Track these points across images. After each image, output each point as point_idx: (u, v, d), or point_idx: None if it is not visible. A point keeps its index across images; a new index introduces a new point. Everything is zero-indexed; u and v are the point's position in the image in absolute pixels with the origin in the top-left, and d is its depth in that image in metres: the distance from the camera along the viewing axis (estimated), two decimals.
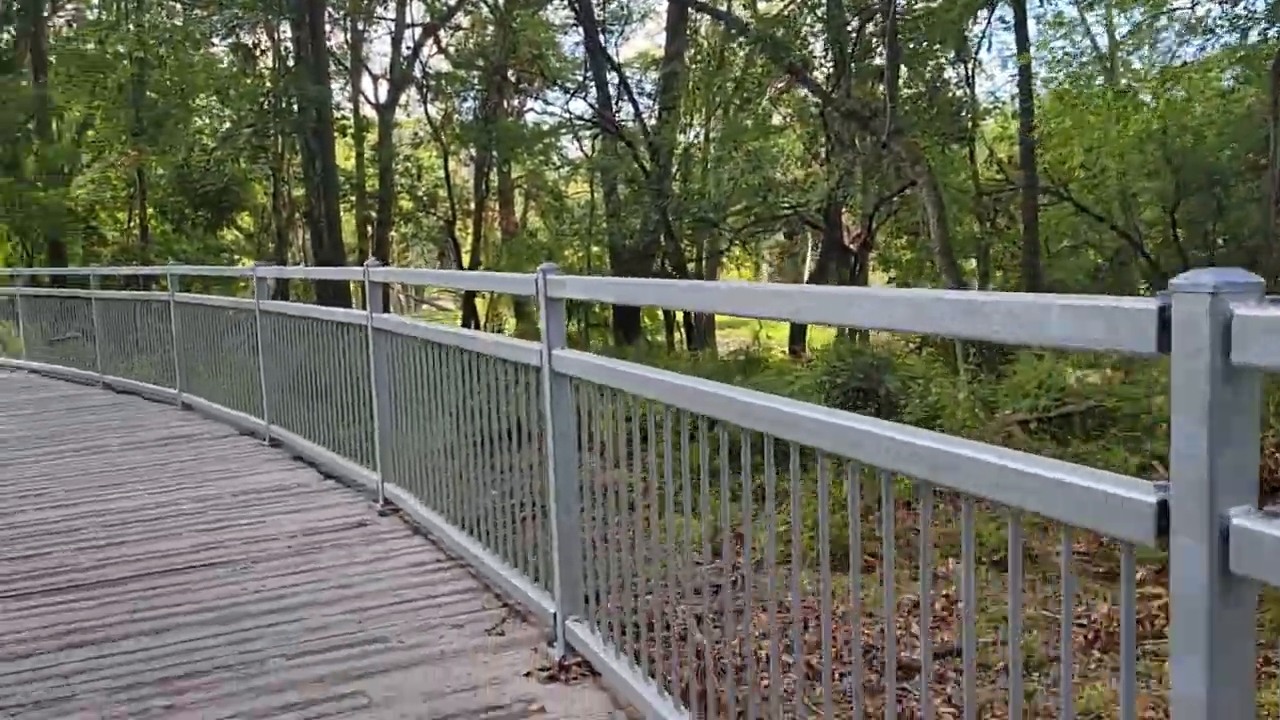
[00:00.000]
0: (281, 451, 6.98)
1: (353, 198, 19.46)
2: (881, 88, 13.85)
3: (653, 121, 16.95)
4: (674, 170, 16.64)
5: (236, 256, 27.81)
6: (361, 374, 5.63)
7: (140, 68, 20.30)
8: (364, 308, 5.46)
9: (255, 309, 7.26)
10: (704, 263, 21.05)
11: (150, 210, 17.97)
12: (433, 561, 4.51)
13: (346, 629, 3.75)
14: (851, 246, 15.03)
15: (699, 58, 18.53)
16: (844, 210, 15.65)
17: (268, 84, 15.38)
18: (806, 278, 29.28)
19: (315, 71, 15.03)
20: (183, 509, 5.57)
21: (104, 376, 10.55)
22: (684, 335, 17.73)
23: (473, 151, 21.72)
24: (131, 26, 17.65)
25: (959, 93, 17.93)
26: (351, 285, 16.19)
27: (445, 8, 20.88)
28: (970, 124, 17.63)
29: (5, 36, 22.03)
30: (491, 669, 3.36)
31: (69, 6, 26.82)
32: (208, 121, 18.05)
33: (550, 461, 3.38)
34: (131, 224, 21.07)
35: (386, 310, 5.46)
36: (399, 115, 24.88)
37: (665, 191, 14.53)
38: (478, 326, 20.16)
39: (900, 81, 12.12)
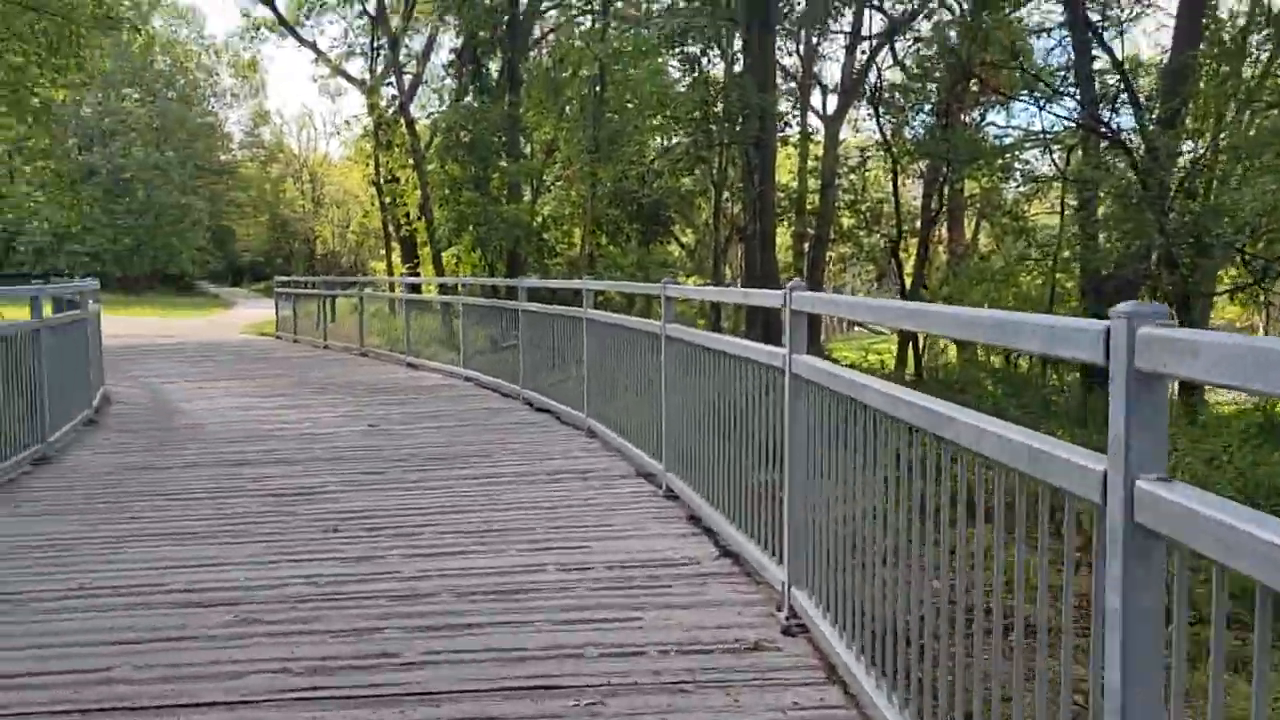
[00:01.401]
0: (676, 507, 5.77)
1: (791, 214, 18.44)
2: None
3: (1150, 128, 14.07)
4: (1174, 185, 13.59)
5: (679, 272, 28.19)
6: (773, 429, 4.21)
7: (598, 87, 20.88)
8: (783, 343, 4.03)
9: (661, 333, 6.15)
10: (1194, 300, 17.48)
11: (592, 226, 18.23)
12: None
13: None
14: None
15: (1214, 51, 15.15)
16: None
17: (711, 93, 14.75)
18: None
19: (761, 81, 14.11)
20: (547, 580, 4.49)
21: (523, 391, 10.21)
22: None
23: (922, 166, 19.86)
24: (590, 45, 17.96)
25: None
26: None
27: (906, 12, 19.21)
28: None
29: (493, 65, 23.88)
30: None
31: (549, 36, 28.87)
32: (656, 137, 17.99)
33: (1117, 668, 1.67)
34: (582, 238, 21.77)
35: (814, 348, 3.99)
36: (844, 131, 23.68)
37: (1168, 209, 11.70)
38: (917, 358, 18.21)
39: None
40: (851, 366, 18.82)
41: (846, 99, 18.93)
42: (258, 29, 27.40)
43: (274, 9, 25.92)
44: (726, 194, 19.51)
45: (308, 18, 27.26)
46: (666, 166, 15.31)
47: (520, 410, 9.78)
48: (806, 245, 19.62)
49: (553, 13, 28.33)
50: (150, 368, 14.51)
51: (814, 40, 20.74)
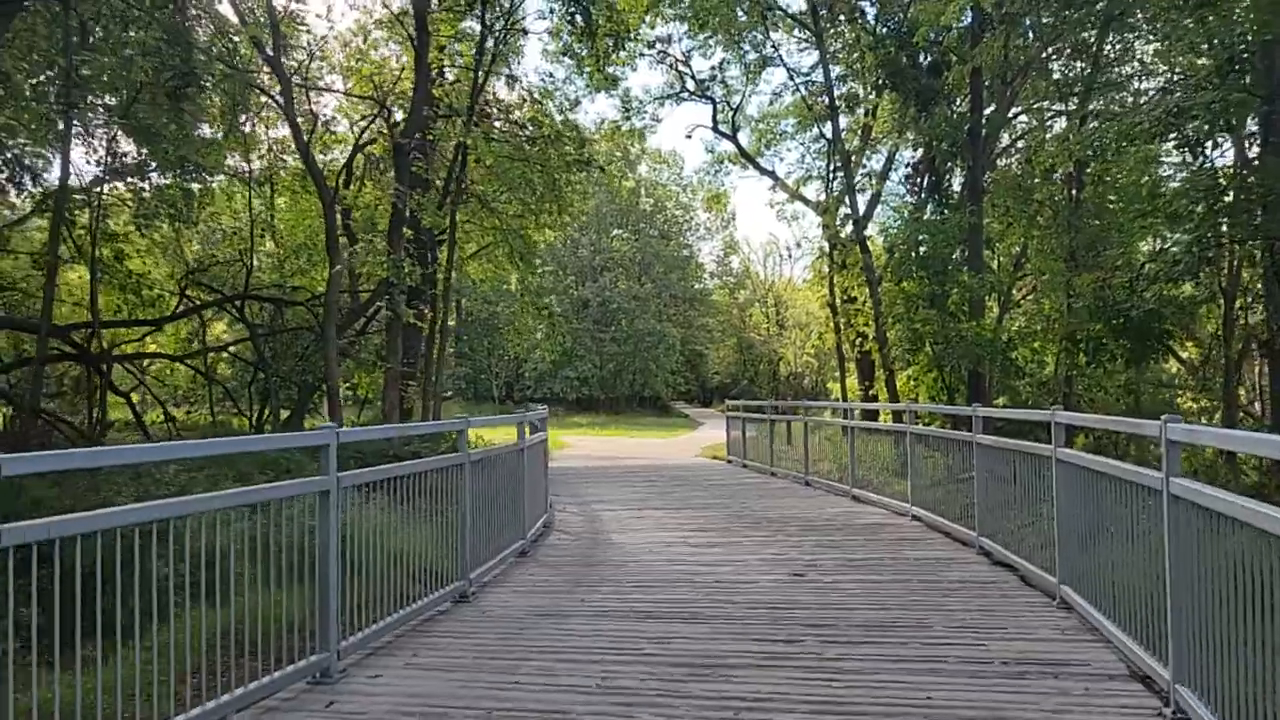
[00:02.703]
0: None
1: None
2: None
3: None
4: None
5: (1180, 393, 24.19)
6: None
7: (1074, 189, 18.75)
8: None
9: (1161, 488, 4.50)
10: None
11: (1066, 343, 15.94)
12: None
13: None
14: None
15: None
16: None
17: (1220, 181, 12.06)
18: None
19: None
20: None
21: (979, 539, 8.62)
22: None
23: None
24: (1068, 137, 16.05)
25: None
26: None
27: None
28: None
29: (954, 179, 22.65)
30: None
31: (1019, 143, 27.03)
32: (1146, 239, 15.41)
33: None
34: (1056, 358, 19.42)
35: None
36: None
37: None
38: None
39: None
40: None
41: None
42: (722, 163, 28.64)
43: (736, 143, 26.94)
44: (1239, 300, 16.25)
45: (767, 148, 28.03)
46: (1161, 271, 12.74)
47: (973, 563, 8.21)
48: None
49: (1022, 119, 26.55)
50: (601, 491, 14.79)
51: None
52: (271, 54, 14.18)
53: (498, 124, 20.68)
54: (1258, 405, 26.02)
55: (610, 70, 22.83)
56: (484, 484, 7.69)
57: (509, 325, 29.25)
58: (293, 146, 18.39)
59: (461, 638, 6.07)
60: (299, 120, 14.72)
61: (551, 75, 30.86)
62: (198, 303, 19.07)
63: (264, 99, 16.66)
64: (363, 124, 19.37)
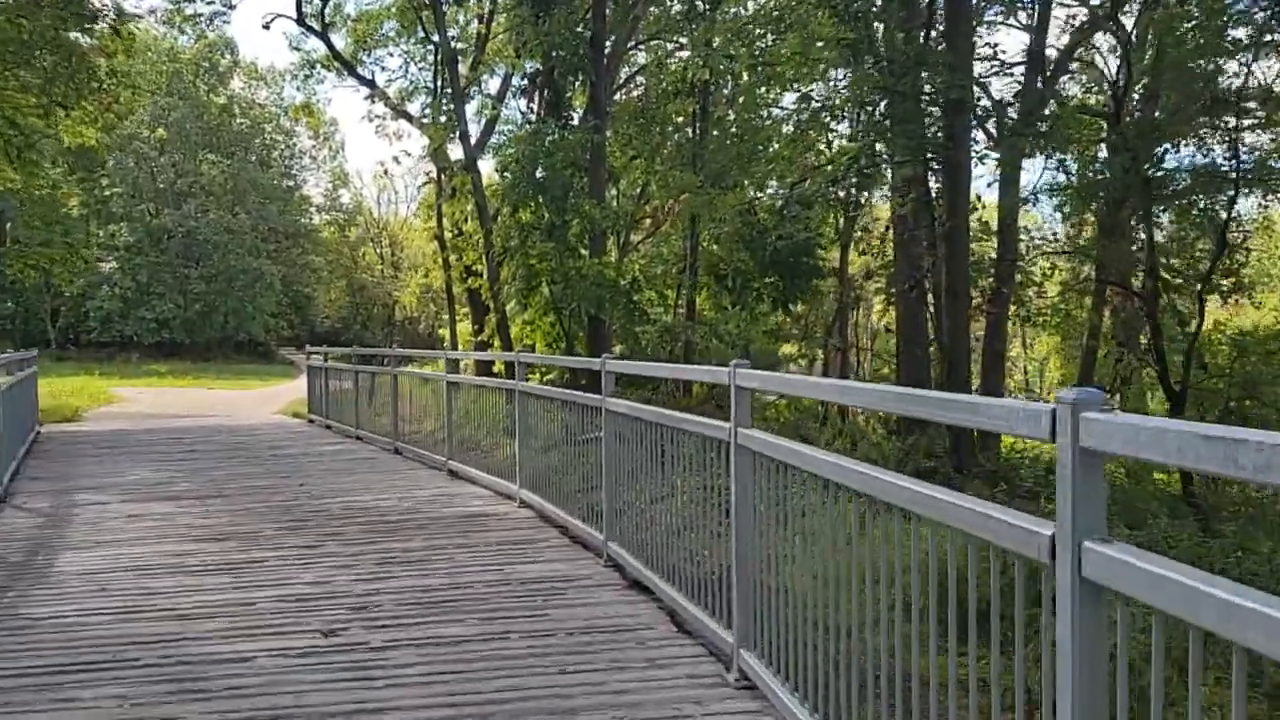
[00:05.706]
0: None
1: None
2: None
3: None
4: None
5: (784, 342, 23.87)
6: None
7: (699, 120, 17.19)
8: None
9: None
10: None
11: (706, 281, 14.14)
12: None
13: None
14: None
15: None
16: None
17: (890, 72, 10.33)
18: None
19: (954, 51, 9.74)
20: None
21: (608, 545, 6.13)
22: None
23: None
24: (698, 59, 14.12)
25: None
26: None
27: None
28: None
29: (576, 99, 20.35)
30: None
31: (639, 79, 25.37)
32: (788, 159, 13.97)
33: None
34: (679, 299, 17.87)
35: None
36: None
37: None
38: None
39: None
40: None
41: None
42: (313, 67, 24.39)
43: (328, 42, 22.86)
44: (860, 231, 15.30)
45: (368, 55, 24.22)
46: (817, 191, 10.90)
47: (603, 586, 5.68)
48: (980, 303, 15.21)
49: (643, 56, 24.88)
50: (113, 469, 10.85)
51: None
52: None
53: None
54: (854, 356, 26.63)
55: None
56: None
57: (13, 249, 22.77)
58: None
59: None
60: None
61: None
62: None
63: None
64: None
